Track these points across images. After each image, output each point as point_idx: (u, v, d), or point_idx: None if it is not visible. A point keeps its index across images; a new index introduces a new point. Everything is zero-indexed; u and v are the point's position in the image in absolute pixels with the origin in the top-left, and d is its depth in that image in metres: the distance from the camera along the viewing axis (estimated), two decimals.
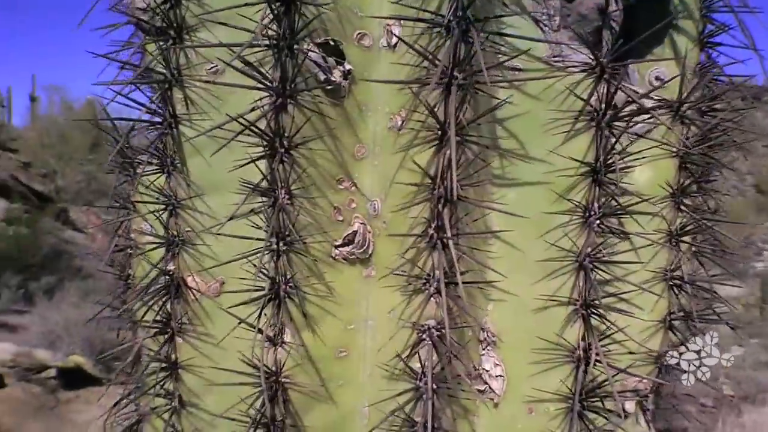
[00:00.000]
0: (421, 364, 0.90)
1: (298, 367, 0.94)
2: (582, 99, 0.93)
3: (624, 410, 1.07)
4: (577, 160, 0.93)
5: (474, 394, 0.98)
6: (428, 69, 0.89)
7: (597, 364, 0.94)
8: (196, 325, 1.02)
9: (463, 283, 0.91)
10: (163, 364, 1.03)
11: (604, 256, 0.95)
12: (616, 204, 0.95)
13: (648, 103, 1.05)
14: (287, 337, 0.94)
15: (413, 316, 0.92)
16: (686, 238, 1.12)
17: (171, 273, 1.00)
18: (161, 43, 0.98)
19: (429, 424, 0.84)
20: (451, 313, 0.90)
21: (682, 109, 1.03)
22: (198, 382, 1.03)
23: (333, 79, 0.91)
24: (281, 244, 0.91)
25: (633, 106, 0.98)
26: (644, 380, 1.05)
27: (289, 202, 0.90)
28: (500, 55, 0.95)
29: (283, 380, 0.93)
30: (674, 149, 1.04)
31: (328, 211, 0.95)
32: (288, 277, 0.92)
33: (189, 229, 1.00)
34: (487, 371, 1.01)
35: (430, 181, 0.88)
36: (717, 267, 1.29)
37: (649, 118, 0.98)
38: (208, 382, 1.02)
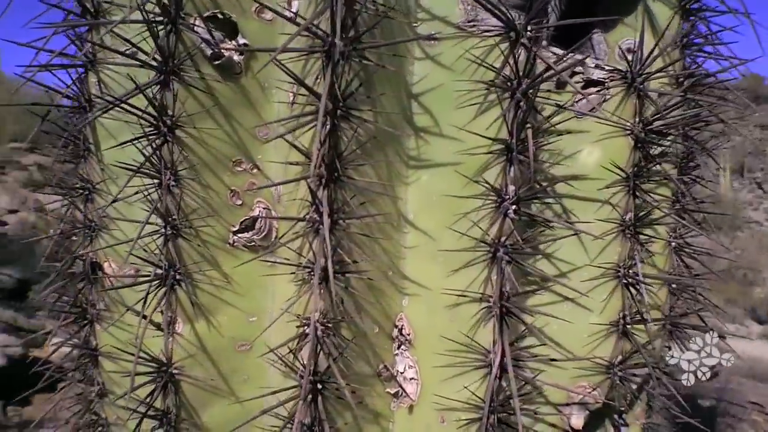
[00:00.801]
0: (299, 361, 0.82)
1: (191, 359, 0.89)
2: (492, 68, 0.81)
3: (570, 426, 0.94)
4: (485, 137, 0.82)
5: (380, 397, 0.89)
6: (313, 38, 0.82)
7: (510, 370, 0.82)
8: (113, 312, 1.00)
9: (348, 273, 0.83)
10: (83, 350, 1.02)
11: (522, 248, 0.82)
12: (538, 187, 0.83)
13: (598, 74, 0.92)
14: (179, 327, 0.89)
15: (298, 308, 0.84)
16: (662, 231, 0.97)
17: (83, 258, 0.99)
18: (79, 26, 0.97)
19: (296, 426, 0.76)
20: (338, 306, 0.82)
21: (637, 81, 0.89)
22: (116, 370, 1.00)
23: (222, 54, 0.86)
24: (168, 228, 0.86)
25: (565, 77, 0.85)
26: (592, 393, 0.91)
27: (174, 184, 0.86)
28: (405, 22, 0.86)
29: (174, 372, 0.89)
30: (627, 126, 0.90)
31: (224, 195, 0.89)
32: (176, 262, 0.87)
33: (104, 213, 0.98)
34: (401, 373, 0.91)
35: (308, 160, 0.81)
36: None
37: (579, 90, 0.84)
38: (126, 370, 0.99)
